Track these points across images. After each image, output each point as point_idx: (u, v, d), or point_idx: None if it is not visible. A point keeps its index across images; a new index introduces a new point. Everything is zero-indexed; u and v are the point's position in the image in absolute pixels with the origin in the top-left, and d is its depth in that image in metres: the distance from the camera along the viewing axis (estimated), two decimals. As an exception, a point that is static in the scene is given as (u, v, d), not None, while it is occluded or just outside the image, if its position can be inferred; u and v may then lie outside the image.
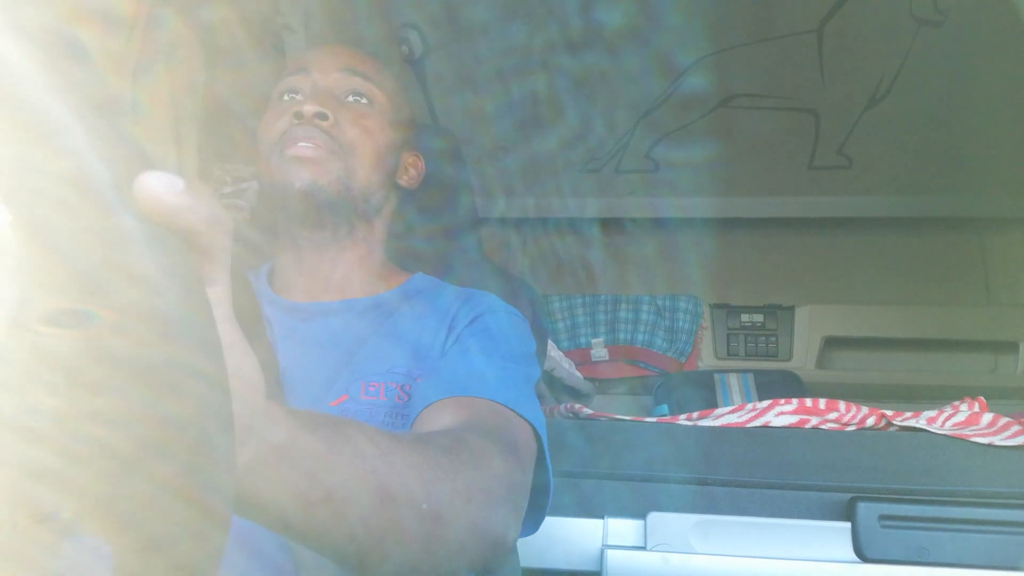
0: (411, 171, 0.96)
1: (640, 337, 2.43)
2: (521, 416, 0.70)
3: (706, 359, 2.42)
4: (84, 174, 0.26)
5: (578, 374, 2.11)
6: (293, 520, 0.42)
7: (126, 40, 1.08)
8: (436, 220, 1.10)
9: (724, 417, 1.32)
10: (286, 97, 0.88)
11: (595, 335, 2.45)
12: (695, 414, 1.36)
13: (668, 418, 1.44)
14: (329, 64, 0.89)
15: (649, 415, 1.87)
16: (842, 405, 1.27)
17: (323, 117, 0.83)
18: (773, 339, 2.37)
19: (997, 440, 1.15)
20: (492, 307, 0.85)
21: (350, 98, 0.88)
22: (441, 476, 0.52)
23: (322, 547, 0.46)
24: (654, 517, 1.14)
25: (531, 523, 0.74)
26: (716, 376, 2.25)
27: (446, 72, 2.01)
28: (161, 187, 0.30)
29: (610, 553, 1.12)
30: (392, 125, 0.91)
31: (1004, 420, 1.21)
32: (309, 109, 0.83)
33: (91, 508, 0.27)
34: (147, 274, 0.27)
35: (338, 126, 0.84)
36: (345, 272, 0.88)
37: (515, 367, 0.76)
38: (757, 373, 2.26)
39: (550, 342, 1.72)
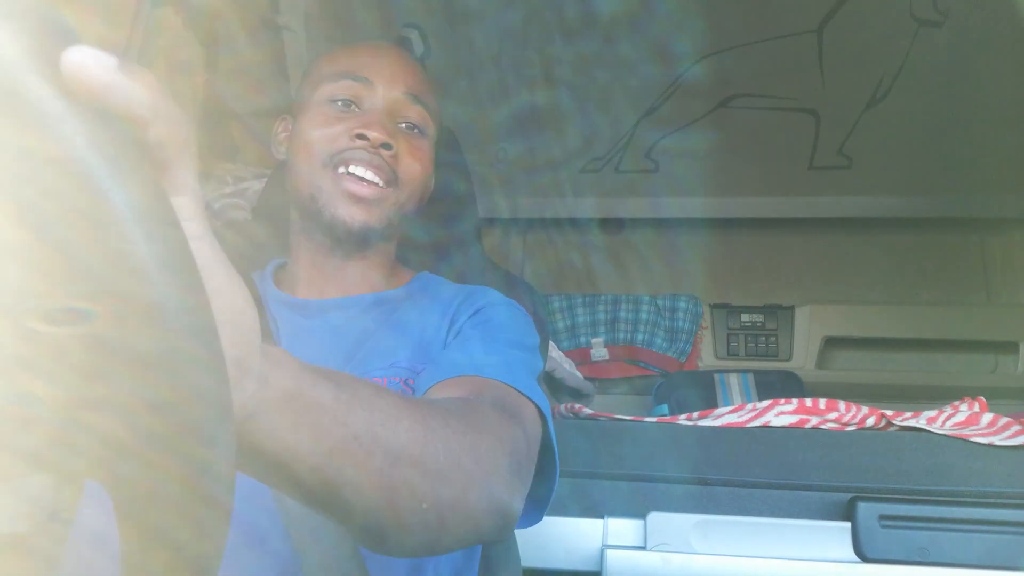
0: (430, 188, 0.96)
1: (640, 337, 2.43)
2: (526, 397, 0.69)
3: (706, 359, 2.42)
4: (75, 161, 0.26)
5: (578, 374, 2.11)
6: (300, 474, 0.41)
7: (126, 35, 1.08)
8: (438, 220, 1.09)
9: (724, 417, 1.32)
10: (341, 104, 0.85)
11: (595, 335, 2.45)
12: (695, 414, 1.36)
13: (668, 418, 1.44)
14: (394, 81, 0.86)
15: (649, 415, 1.87)
16: (842, 405, 1.27)
17: (388, 148, 0.81)
18: (773, 339, 2.38)
19: (997, 440, 1.16)
20: (494, 300, 0.85)
21: (404, 125, 0.86)
22: (450, 436, 0.51)
23: (329, 506, 0.45)
24: (654, 517, 1.14)
25: (535, 512, 0.74)
26: (716, 376, 2.26)
27: (446, 72, 2.01)
28: (89, 61, 0.27)
29: (610, 553, 1.12)
30: (434, 151, 0.91)
31: (1004, 420, 1.21)
32: (377, 137, 0.80)
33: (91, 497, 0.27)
34: (142, 260, 0.27)
35: (397, 158, 0.83)
36: (353, 271, 0.88)
37: (519, 354, 0.76)
38: (757, 373, 2.26)
39: (551, 343, 1.72)
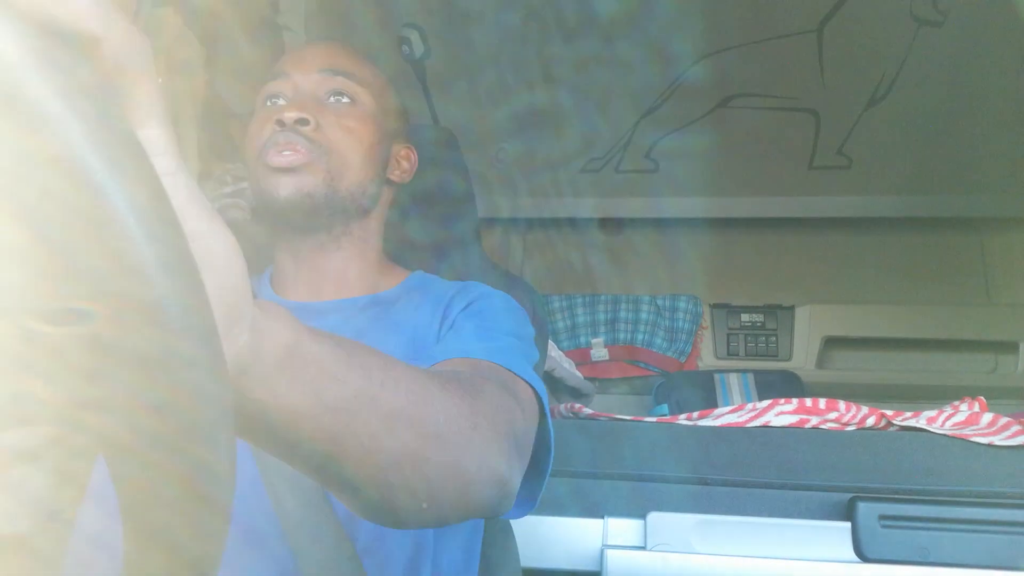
0: (403, 164, 0.95)
1: (640, 337, 2.43)
2: (523, 379, 0.69)
3: (706, 359, 2.42)
4: (72, 158, 0.25)
5: (578, 374, 2.11)
6: (297, 434, 0.40)
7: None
8: (437, 219, 1.09)
9: (724, 417, 1.32)
10: (268, 103, 0.87)
11: (595, 335, 2.45)
12: (695, 414, 1.36)
13: (668, 418, 1.44)
14: (309, 65, 0.87)
15: (649, 415, 1.87)
16: (842, 405, 1.27)
17: (304, 123, 0.82)
18: (773, 339, 2.38)
19: (997, 440, 1.16)
20: (486, 292, 0.85)
21: (331, 99, 0.87)
22: (448, 401, 0.51)
23: (326, 470, 0.44)
24: (654, 517, 1.14)
25: (527, 502, 0.74)
26: (716, 376, 2.26)
27: (446, 72, 2.01)
28: None
29: (610, 553, 1.12)
30: (378, 121, 0.90)
31: (1004, 420, 1.21)
32: (290, 116, 0.81)
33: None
34: (141, 260, 0.26)
35: (320, 130, 0.83)
36: (343, 269, 0.88)
37: (514, 341, 0.76)
38: (757, 373, 2.26)
39: (550, 342, 1.73)
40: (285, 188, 0.80)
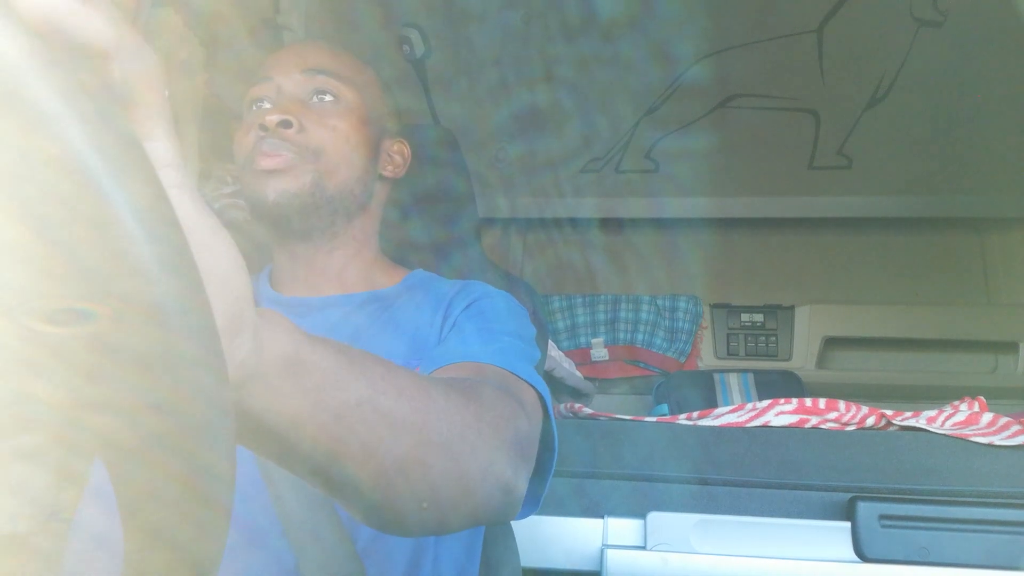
0: (396, 159, 0.95)
1: (640, 337, 2.43)
2: (526, 382, 0.69)
3: (706, 359, 2.42)
4: (75, 160, 0.25)
5: (578, 374, 2.11)
6: (300, 443, 0.40)
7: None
8: (436, 220, 1.09)
9: (724, 417, 1.32)
10: (254, 108, 0.87)
11: (595, 335, 2.45)
12: (695, 414, 1.36)
13: (668, 418, 1.44)
14: (291, 66, 0.87)
15: (649, 415, 1.87)
16: (842, 405, 1.27)
17: (287, 125, 0.82)
18: (773, 339, 2.38)
19: (997, 440, 1.16)
20: (487, 292, 0.85)
21: (315, 98, 0.86)
22: (452, 409, 0.50)
23: (329, 479, 0.44)
24: (654, 517, 1.14)
25: (530, 504, 0.73)
26: (716, 376, 2.26)
27: (446, 71, 2.01)
28: None
29: (610, 553, 1.12)
30: (364, 117, 0.89)
31: (1004, 420, 1.21)
32: (272, 119, 0.81)
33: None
34: (142, 260, 0.26)
35: (304, 131, 0.83)
36: (341, 267, 0.88)
37: (516, 342, 0.76)
38: (757, 373, 2.26)
39: (550, 342, 1.73)
40: (272, 191, 0.80)
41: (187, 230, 0.28)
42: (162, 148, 0.31)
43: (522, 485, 0.59)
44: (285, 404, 0.39)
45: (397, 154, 0.95)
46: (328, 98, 0.87)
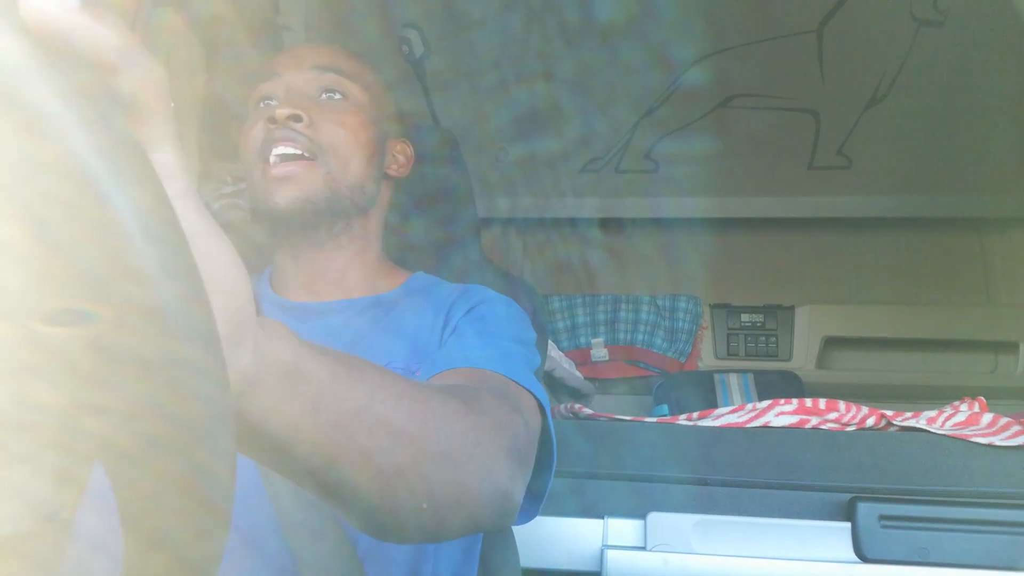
0: (400, 158, 0.95)
1: (640, 337, 2.43)
2: (525, 388, 0.69)
3: (706, 359, 2.42)
4: (77, 162, 0.25)
5: (578, 374, 2.11)
6: (299, 452, 0.40)
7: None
8: (436, 220, 1.09)
9: (724, 417, 1.32)
10: (261, 105, 0.87)
11: (595, 335, 2.45)
12: (695, 414, 1.36)
13: (668, 418, 1.44)
14: (299, 64, 0.87)
15: (649, 415, 1.87)
16: (842, 405, 1.27)
17: (297, 119, 0.81)
18: (773, 339, 2.38)
19: (997, 440, 1.16)
20: (488, 297, 0.85)
21: (323, 96, 0.86)
22: (451, 417, 0.50)
23: (328, 488, 0.44)
24: (654, 517, 1.14)
25: (530, 508, 0.73)
26: (716, 376, 2.26)
27: (446, 72, 2.01)
28: (48, 2, 0.26)
29: (610, 553, 1.12)
30: (372, 116, 0.89)
31: (1004, 420, 1.21)
32: (282, 113, 0.80)
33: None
34: (143, 263, 0.26)
35: (314, 126, 0.82)
36: (343, 269, 0.88)
37: (516, 348, 0.76)
38: (757, 373, 2.26)
39: (550, 342, 1.73)
40: (285, 198, 0.80)
41: (191, 239, 0.28)
42: (168, 159, 0.31)
43: (520, 493, 0.59)
44: (284, 412, 0.39)
45: (401, 154, 0.95)
46: (337, 96, 0.86)
